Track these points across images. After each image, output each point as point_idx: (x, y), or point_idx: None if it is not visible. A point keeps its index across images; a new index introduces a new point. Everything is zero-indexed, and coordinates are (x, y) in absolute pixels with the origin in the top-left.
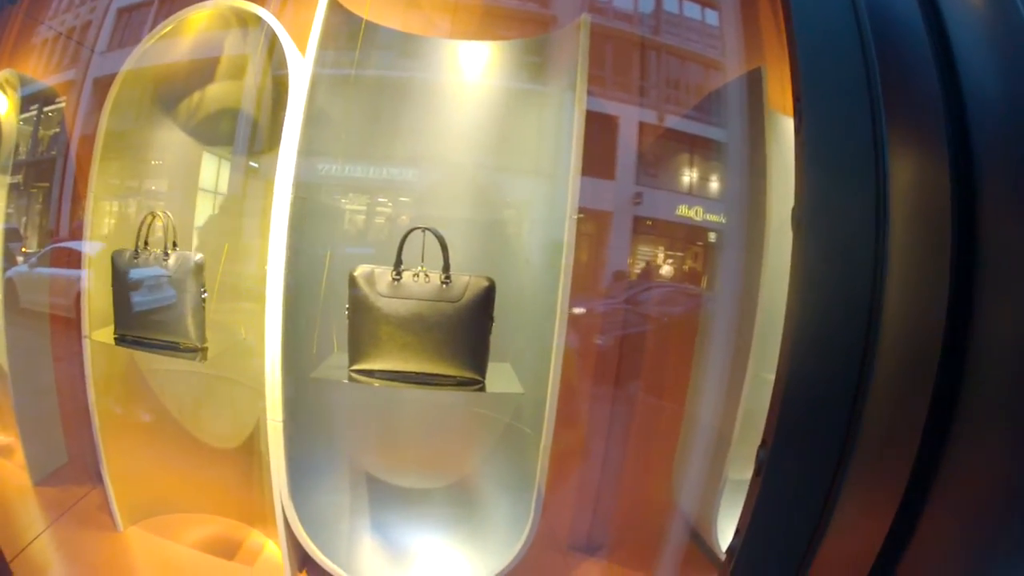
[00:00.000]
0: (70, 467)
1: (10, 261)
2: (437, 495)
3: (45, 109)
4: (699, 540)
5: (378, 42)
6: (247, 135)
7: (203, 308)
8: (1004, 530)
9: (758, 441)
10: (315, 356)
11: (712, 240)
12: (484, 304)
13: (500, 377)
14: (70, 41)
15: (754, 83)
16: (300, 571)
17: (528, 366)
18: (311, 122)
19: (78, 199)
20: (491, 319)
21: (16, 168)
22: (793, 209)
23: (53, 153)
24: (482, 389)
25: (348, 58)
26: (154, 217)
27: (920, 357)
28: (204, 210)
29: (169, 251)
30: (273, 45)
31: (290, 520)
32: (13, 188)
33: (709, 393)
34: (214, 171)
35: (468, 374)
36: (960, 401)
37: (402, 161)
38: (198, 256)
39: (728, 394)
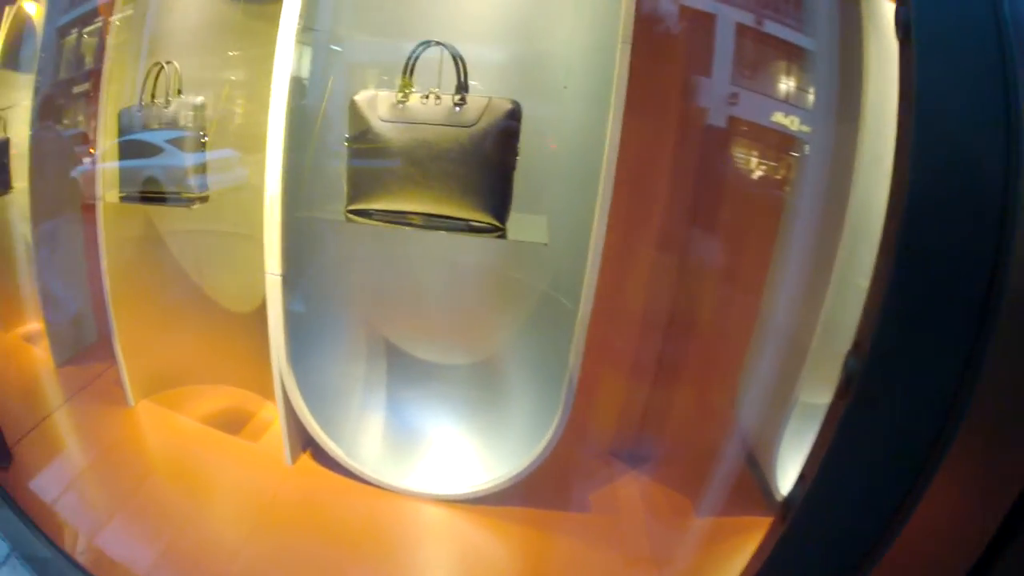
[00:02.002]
0: (98, 345)
1: (77, 163)
2: (457, 373)
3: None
4: (756, 469)
5: None
6: None
7: (204, 153)
8: None
9: (837, 358)
10: (320, 199)
11: (800, 130)
12: (505, 131)
13: (527, 227)
14: None
15: None
16: (303, 451)
17: (572, 223)
18: None
19: None
20: (515, 152)
21: (85, 77)
22: (897, 9)
23: None
24: (502, 236)
25: None
26: (160, 68)
27: None
28: (209, 56)
29: (171, 99)
30: None
31: (289, 391)
32: (82, 95)
33: (787, 292)
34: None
35: (482, 216)
36: None
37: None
38: (198, 99)
39: (808, 296)
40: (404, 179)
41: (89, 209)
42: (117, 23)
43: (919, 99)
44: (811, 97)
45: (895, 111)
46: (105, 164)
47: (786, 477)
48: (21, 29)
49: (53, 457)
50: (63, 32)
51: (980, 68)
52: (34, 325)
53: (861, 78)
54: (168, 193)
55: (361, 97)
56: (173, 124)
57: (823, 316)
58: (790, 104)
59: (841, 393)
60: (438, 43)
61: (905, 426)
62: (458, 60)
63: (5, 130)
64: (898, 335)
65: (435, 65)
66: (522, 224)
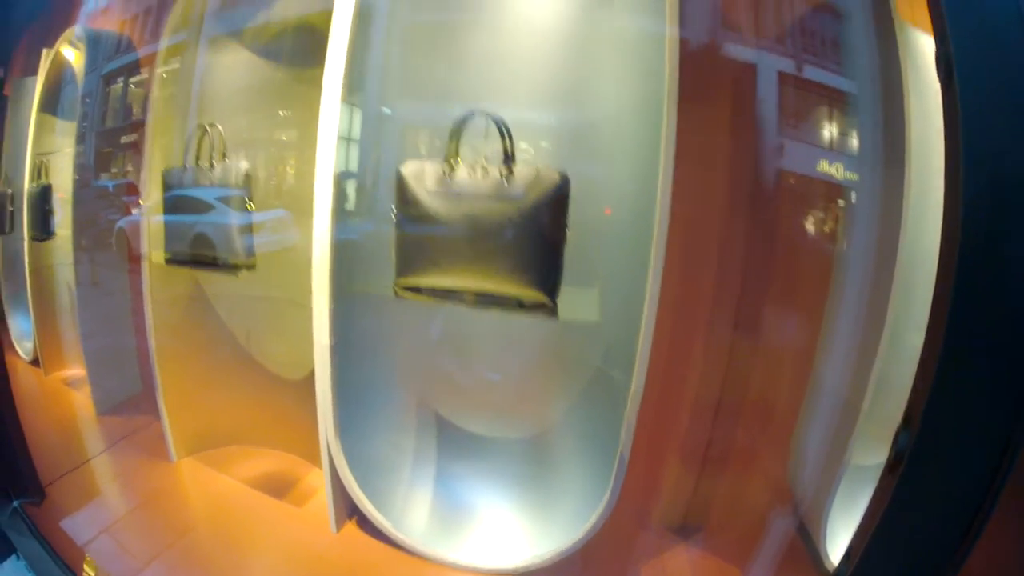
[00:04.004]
0: (142, 398)
1: (125, 212)
2: (507, 447)
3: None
4: (807, 537)
5: None
6: (301, 48)
7: (250, 219)
8: None
9: (888, 419)
10: (369, 272)
11: (845, 175)
12: (554, 205)
13: (578, 303)
14: None
15: None
16: (350, 518)
17: (623, 298)
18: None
19: None
20: (564, 225)
21: (133, 128)
22: (936, 51)
23: None
24: (552, 314)
25: None
26: (204, 131)
27: None
28: (256, 123)
29: (215, 163)
30: None
31: (336, 462)
32: (131, 146)
33: (839, 354)
34: (268, 85)
35: (533, 293)
36: None
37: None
38: (244, 164)
39: (860, 354)
40: (453, 254)
41: (134, 260)
42: (163, 75)
43: (967, 150)
44: (856, 143)
45: (940, 152)
46: (150, 219)
47: (836, 544)
48: (61, 74)
49: (88, 501)
50: (106, 81)
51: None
52: (76, 370)
53: (904, 121)
54: (215, 258)
55: (408, 169)
56: (219, 189)
57: (874, 376)
58: (836, 152)
59: (891, 467)
60: (483, 112)
61: (952, 504)
62: (504, 130)
63: (47, 176)
64: (949, 411)
65: (481, 133)
66: (573, 299)
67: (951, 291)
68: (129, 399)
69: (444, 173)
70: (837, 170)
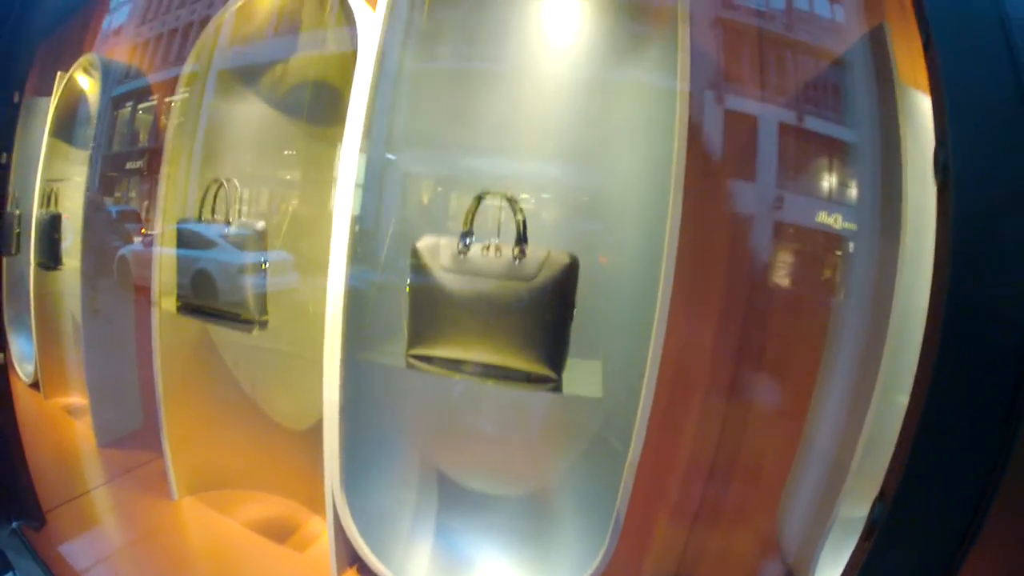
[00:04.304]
0: (143, 433)
1: (127, 240)
2: (508, 504)
3: (167, 99)
4: None
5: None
6: (319, 104)
7: (264, 279)
8: None
9: (876, 475)
10: (381, 337)
11: (839, 238)
12: (563, 286)
13: (582, 377)
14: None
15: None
16: (351, 566)
17: (624, 369)
18: (382, 91)
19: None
20: (572, 305)
21: (139, 154)
22: (935, 151)
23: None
24: (557, 389)
25: (419, 21)
26: (219, 186)
27: None
28: (273, 180)
29: (231, 220)
30: (343, 10)
31: (340, 512)
32: (136, 172)
33: (829, 414)
34: (286, 141)
35: (540, 369)
36: None
37: (482, 129)
38: (260, 224)
39: (850, 416)
40: (465, 329)
41: (140, 292)
42: (178, 111)
43: (954, 262)
44: (855, 210)
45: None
46: (162, 265)
47: None
48: (74, 101)
49: (88, 530)
50: (118, 108)
51: (1020, 222)
52: (76, 398)
53: (901, 190)
54: (227, 312)
55: (423, 244)
56: (234, 245)
57: (864, 437)
58: (834, 209)
59: (867, 535)
60: (500, 194)
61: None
62: (517, 211)
63: (57, 204)
64: (922, 488)
65: (494, 212)
66: (577, 372)
67: (931, 370)
68: (130, 433)
69: (458, 250)
70: (835, 224)
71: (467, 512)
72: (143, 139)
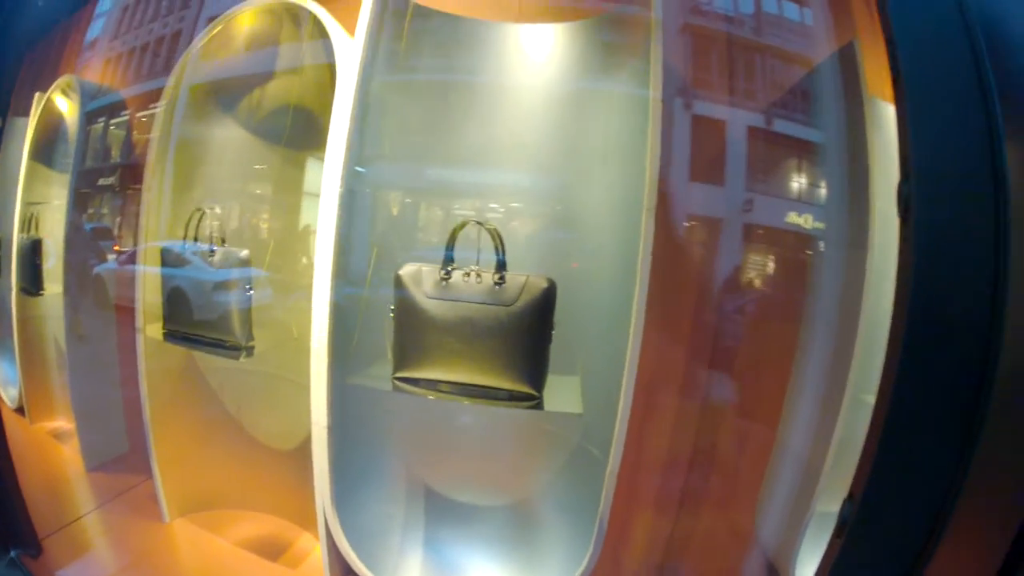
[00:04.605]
0: (131, 456)
1: (101, 258)
2: (494, 514)
3: (139, 115)
4: None
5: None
6: (298, 130)
7: (249, 305)
8: None
9: (850, 471)
10: (366, 359)
11: (809, 240)
12: (542, 309)
13: (562, 393)
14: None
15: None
16: None
17: (602, 381)
18: (362, 115)
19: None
20: (551, 326)
21: (111, 170)
22: (899, 185)
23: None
24: (538, 406)
25: (398, 46)
26: (202, 213)
27: None
28: (254, 206)
29: (215, 247)
30: (320, 35)
31: (332, 529)
32: (108, 189)
33: (802, 415)
34: (267, 166)
35: (522, 388)
36: None
37: (459, 150)
38: (244, 252)
39: (823, 417)
40: (448, 352)
41: (124, 312)
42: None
43: (915, 293)
44: (825, 218)
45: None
46: (146, 292)
47: None
48: (54, 123)
49: (83, 556)
50: (99, 134)
51: (976, 255)
52: (62, 423)
53: (869, 207)
54: (214, 339)
55: (406, 272)
56: (218, 272)
57: (836, 436)
58: (805, 232)
59: (838, 533)
60: (478, 222)
61: (887, 568)
62: (497, 238)
63: (37, 228)
64: (886, 488)
65: (475, 234)
66: (557, 389)
67: (893, 376)
68: (117, 456)
69: (440, 277)
70: (805, 225)
71: (455, 524)
72: (115, 156)
